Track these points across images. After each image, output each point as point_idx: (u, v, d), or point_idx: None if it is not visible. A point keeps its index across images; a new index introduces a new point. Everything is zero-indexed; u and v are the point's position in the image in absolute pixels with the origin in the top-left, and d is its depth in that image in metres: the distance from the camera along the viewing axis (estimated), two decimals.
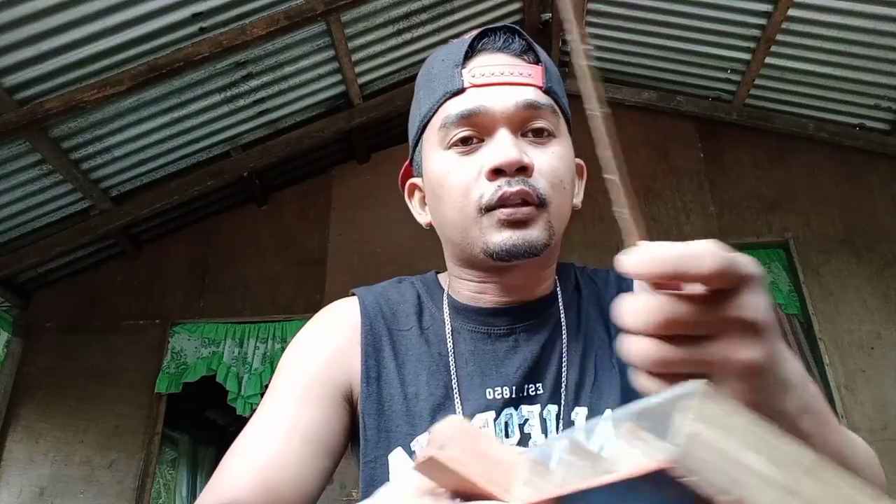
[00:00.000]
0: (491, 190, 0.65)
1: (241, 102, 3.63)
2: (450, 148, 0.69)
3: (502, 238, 0.65)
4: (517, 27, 0.72)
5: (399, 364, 0.72)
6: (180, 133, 3.63)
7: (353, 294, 0.79)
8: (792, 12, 3.46)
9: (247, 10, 3.14)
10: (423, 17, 3.70)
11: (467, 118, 0.67)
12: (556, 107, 0.71)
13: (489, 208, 0.66)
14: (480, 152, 0.68)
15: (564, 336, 0.72)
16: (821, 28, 3.53)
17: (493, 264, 0.68)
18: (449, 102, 0.69)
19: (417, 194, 0.78)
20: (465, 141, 0.68)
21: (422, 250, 3.94)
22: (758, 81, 3.93)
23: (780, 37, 3.61)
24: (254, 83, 3.56)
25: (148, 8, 2.88)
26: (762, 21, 3.59)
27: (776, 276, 3.83)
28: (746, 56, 3.82)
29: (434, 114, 0.71)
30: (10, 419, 3.73)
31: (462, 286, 0.74)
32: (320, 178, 4.42)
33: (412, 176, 0.80)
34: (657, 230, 3.87)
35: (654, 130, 4.26)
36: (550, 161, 0.67)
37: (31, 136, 3.14)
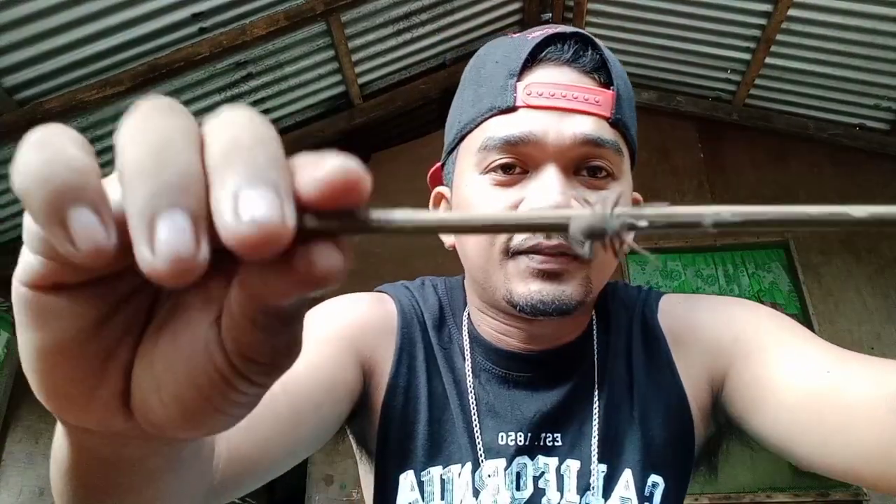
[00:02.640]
0: (523, 234, 0.55)
1: (242, 102, 3.63)
2: (487, 173, 0.59)
3: (529, 291, 0.56)
4: (591, 36, 0.60)
5: (429, 381, 0.64)
6: None
7: (382, 292, 0.70)
8: (792, 12, 3.46)
9: (247, 10, 3.14)
10: (423, 17, 3.70)
11: (513, 145, 0.57)
12: (621, 144, 0.59)
13: (517, 252, 0.57)
14: (521, 186, 0.58)
15: (595, 382, 0.64)
16: (821, 28, 3.53)
17: (517, 313, 0.59)
18: (495, 119, 0.59)
19: (444, 206, 0.68)
20: (505, 168, 0.58)
21: (421, 250, 3.94)
22: (758, 81, 3.93)
23: (779, 37, 3.61)
24: (254, 83, 3.56)
25: (148, 8, 2.88)
26: (762, 21, 3.59)
27: (776, 276, 3.83)
28: (746, 56, 3.82)
29: (476, 126, 0.60)
30: (10, 419, 3.74)
31: (483, 321, 0.66)
32: None
33: (441, 182, 0.70)
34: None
35: (654, 130, 4.26)
36: None
37: None
